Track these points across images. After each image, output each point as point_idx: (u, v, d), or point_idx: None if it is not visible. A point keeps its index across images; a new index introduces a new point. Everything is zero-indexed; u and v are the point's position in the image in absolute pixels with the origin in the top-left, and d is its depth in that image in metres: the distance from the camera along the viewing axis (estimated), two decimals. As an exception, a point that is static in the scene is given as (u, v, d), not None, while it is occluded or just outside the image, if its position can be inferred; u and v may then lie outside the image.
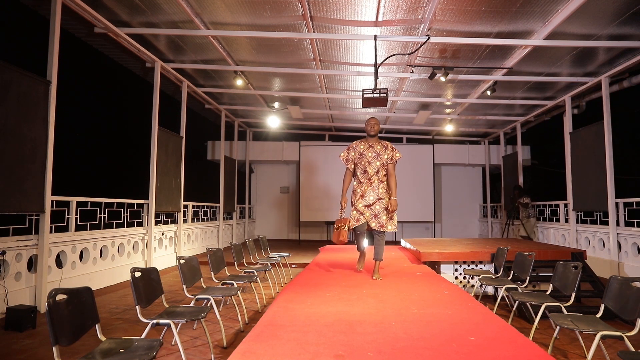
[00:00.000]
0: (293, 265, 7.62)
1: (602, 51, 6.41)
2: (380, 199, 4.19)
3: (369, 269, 4.58)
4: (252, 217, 13.64)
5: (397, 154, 4.31)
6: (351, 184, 4.48)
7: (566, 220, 8.48)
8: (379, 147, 4.29)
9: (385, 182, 4.26)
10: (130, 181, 11.24)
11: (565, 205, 8.50)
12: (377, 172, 4.22)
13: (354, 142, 4.43)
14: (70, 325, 1.96)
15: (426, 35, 5.94)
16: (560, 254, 5.14)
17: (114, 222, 6.18)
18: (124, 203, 6.41)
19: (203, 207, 9.59)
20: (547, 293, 3.59)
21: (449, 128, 11.55)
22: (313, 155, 12.66)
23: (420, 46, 6.28)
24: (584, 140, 7.59)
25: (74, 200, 5.34)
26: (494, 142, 13.10)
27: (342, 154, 4.42)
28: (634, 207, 6.50)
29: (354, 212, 4.27)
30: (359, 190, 4.28)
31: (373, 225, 4.17)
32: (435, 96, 9.08)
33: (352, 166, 4.36)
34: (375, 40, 6.04)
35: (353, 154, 4.36)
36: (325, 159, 12.51)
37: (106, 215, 6.00)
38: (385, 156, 4.26)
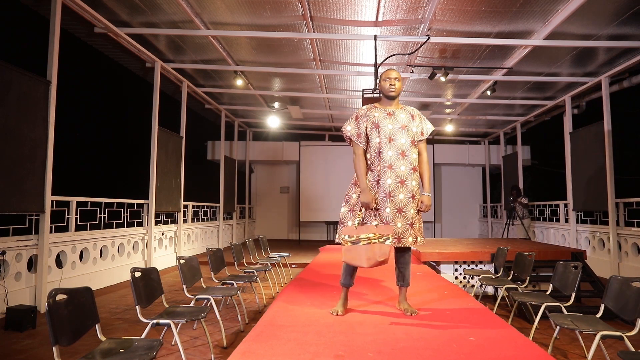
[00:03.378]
0: (293, 265, 7.61)
1: (602, 51, 6.41)
2: (414, 197, 2.82)
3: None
4: (252, 217, 13.63)
5: (429, 126, 2.98)
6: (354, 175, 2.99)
7: (566, 220, 8.48)
8: (403, 116, 2.88)
9: (417, 171, 2.87)
10: (130, 181, 11.24)
11: (565, 205, 8.50)
12: (404, 154, 2.80)
13: (364, 107, 2.97)
14: (70, 325, 1.96)
15: (426, 35, 5.94)
16: (560, 254, 5.14)
17: (114, 222, 6.18)
18: (124, 203, 6.41)
19: (203, 207, 9.59)
20: (547, 293, 3.59)
21: (449, 128, 11.55)
22: (313, 155, 12.65)
23: (420, 46, 6.28)
24: (584, 140, 7.59)
25: (74, 200, 5.33)
26: (494, 142, 13.10)
27: (349, 128, 2.91)
28: (634, 207, 6.50)
29: (375, 222, 2.76)
30: (373, 188, 2.82)
31: (410, 240, 2.77)
32: (435, 96, 9.08)
33: (366, 144, 2.89)
34: (375, 40, 6.04)
35: (365, 125, 2.88)
36: (326, 159, 12.50)
37: (106, 215, 6.00)
38: (415, 129, 2.89)
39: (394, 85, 2.88)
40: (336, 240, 2.96)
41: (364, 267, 2.70)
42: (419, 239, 2.85)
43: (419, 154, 2.93)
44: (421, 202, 2.84)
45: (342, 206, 2.96)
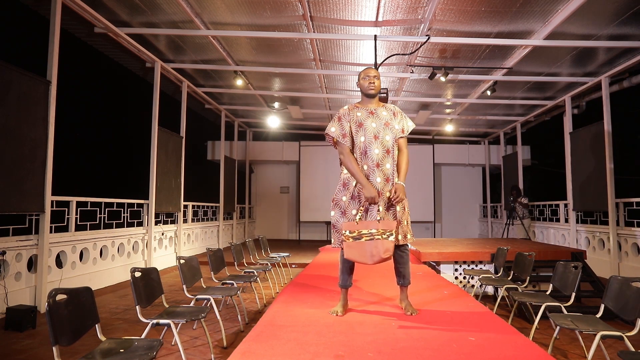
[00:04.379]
0: (293, 265, 7.61)
1: (602, 51, 6.41)
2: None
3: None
4: (252, 217, 13.63)
5: (410, 123, 2.97)
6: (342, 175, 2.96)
7: (566, 220, 8.48)
8: (385, 114, 2.88)
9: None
10: (130, 181, 11.24)
11: (565, 205, 8.50)
12: (389, 152, 2.81)
13: (345, 107, 2.93)
14: (70, 325, 1.96)
15: (426, 35, 5.94)
16: (560, 254, 5.14)
17: (114, 222, 6.17)
18: (124, 203, 6.41)
19: (203, 207, 9.59)
20: (547, 293, 3.59)
21: (449, 128, 11.55)
22: (313, 155, 12.66)
23: (420, 46, 6.28)
24: (584, 140, 7.59)
25: (74, 200, 5.33)
26: (494, 142, 13.10)
27: (333, 129, 2.86)
28: (634, 207, 6.50)
29: (358, 219, 2.73)
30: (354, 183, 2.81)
31: (399, 238, 2.79)
32: (435, 96, 9.08)
33: (351, 143, 2.85)
34: (375, 40, 6.04)
35: (349, 125, 2.85)
36: (326, 159, 12.50)
37: (106, 215, 6.00)
38: (397, 126, 2.89)
39: (373, 83, 2.86)
40: (332, 245, 2.93)
41: (368, 264, 2.66)
42: (408, 235, 2.84)
43: (400, 150, 2.91)
44: (395, 190, 2.75)
45: (331, 210, 2.92)
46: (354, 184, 2.81)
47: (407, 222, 2.86)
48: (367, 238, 2.64)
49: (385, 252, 2.61)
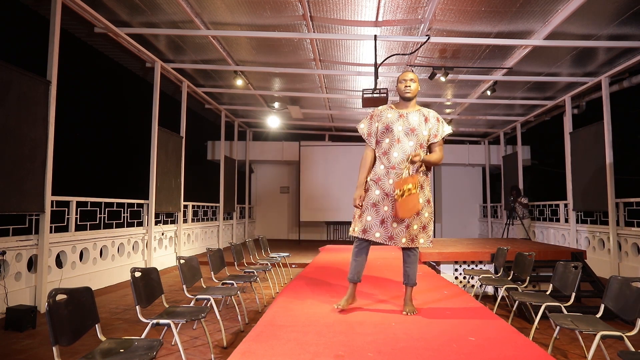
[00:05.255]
0: (293, 265, 7.61)
1: (602, 51, 6.41)
2: None
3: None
4: (252, 217, 13.63)
5: (445, 128, 2.95)
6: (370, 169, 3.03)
7: (566, 220, 8.48)
8: (415, 119, 2.88)
9: (421, 174, 2.90)
10: (130, 181, 11.26)
11: (565, 205, 8.50)
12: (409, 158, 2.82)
13: (380, 108, 3.05)
14: (70, 325, 1.96)
15: (426, 35, 5.94)
16: (560, 254, 5.14)
17: (114, 222, 6.18)
18: (124, 203, 6.41)
19: (203, 207, 9.59)
20: (547, 293, 3.59)
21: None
22: (313, 155, 12.65)
23: (420, 46, 6.28)
24: (584, 140, 7.59)
25: (74, 200, 5.34)
26: (494, 142, 13.10)
27: (362, 125, 3.04)
28: (634, 207, 6.50)
29: (369, 216, 2.87)
30: (375, 183, 2.90)
31: (403, 241, 2.86)
32: (435, 96, 9.08)
33: (375, 143, 2.97)
34: (375, 40, 6.04)
35: (377, 125, 2.96)
36: (326, 159, 12.50)
37: (106, 215, 6.00)
38: (425, 132, 2.87)
39: (409, 86, 2.89)
40: (350, 233, 2.99)
41: (410, 217, 2.82)
42: (421, 240, 2.91)
43: (433, 152, 2.94)
44: (414, 155, 2.76)
45: None
46: (380, 174, 2.90)
47: (417, 226, 2.91)
48: (408, 194, 2.71)
49: (418, 203, 2.76)
